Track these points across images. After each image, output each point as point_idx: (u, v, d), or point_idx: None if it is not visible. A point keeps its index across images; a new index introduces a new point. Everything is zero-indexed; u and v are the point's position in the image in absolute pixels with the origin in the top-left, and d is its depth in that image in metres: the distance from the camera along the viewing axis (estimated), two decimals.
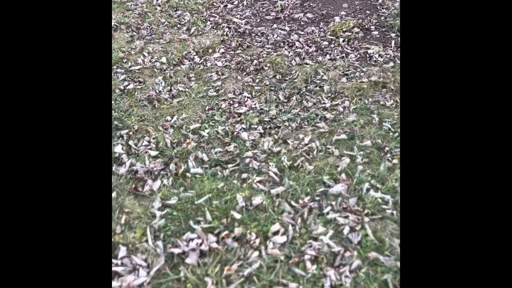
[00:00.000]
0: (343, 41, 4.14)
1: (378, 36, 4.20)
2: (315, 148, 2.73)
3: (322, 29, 4.44)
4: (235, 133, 2.89)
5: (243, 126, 2.97)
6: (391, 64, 3.74)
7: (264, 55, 4.05)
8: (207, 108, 3.24)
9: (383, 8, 4.71)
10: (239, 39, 4.34)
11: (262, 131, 2.92)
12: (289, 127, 2.97)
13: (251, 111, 3.17)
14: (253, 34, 4.47)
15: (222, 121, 3.04)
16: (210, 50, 4.11)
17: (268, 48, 4.18)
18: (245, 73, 3.81)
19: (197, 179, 2.37)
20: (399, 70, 3.66)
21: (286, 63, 3.91)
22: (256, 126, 2.98)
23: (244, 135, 2.85)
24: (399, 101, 3.28)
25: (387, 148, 2.72)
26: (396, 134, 2.84)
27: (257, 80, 3.67)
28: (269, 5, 5.04)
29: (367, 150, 2.71)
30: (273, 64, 3.88)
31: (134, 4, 5.13)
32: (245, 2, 5.15)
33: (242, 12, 4.97)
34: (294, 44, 4.21)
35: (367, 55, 3.93)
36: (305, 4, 4.97)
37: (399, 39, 4.09)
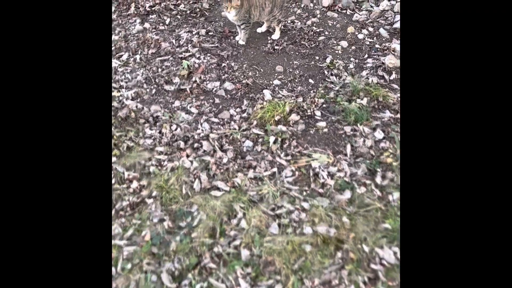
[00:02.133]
0: (274, 141, 2.68)
1: (326, 131, 2.78)
2: None
3: (245, 114, 2.96)
4: None
5: None
6: (348, 194, 2.34)
7: (149, 168, 2.52)
8: None
9: (331, 75, 3.30)
10: (117, 131, 2.77)
11: None
12: None
13: None
14: (140, 120, 2.89)
15: None
16: None
17: (160, 152, 2.65)
18: (113, 211, 2.28)
19: None
20: (363, 209, 2.27)
21: (183, 189, 2.41)
22: None
23: None
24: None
25: None
26: None
27: (130, 230, 2.16)
28: (172, 65, 3.47)
29: None
30: (163, 191, 2.37)
31: None
32: (137, 58, 3.54)
33: (132, 76, 3.37)
34: (201, 146, 2.69)
35: (310, 171, 2.50)
36: (223, 64, 3.45)
37: (357, 139, 2.70)
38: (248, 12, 3.44)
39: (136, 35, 3.88)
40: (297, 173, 2.51)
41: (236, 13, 3.38)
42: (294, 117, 2.90)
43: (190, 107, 3.05)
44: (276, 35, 3.77)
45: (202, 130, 2.85)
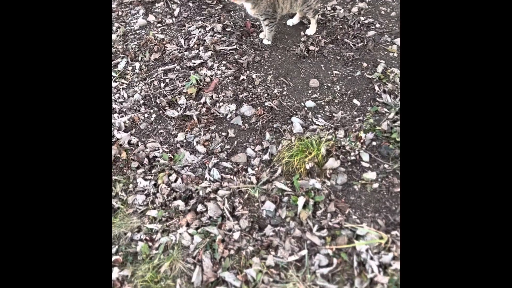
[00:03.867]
0: (304, 205, 1.96)
1: (377, 187, 2.02)
2: None
3: (266, 156, 2.25)
4: None
5: None
6: None
7: (137, 243, 1.92)
8: None
9: (384, 92, 2.46)
10: None
11: None
12: None
13: None
14: (133, 164, 2.24)
15: None
16: None
17: (152, 219, 2.04)
18: None
19: None
20: None
21: (178, 284, 1.77)
22: None
23: None
24: None
25: None
26: None
27: None
28: (178, 77, 2.74)
29: None
30: None
31: None
32: (137, 66, 2.82)
33: (128, 93, 2.68)
34: (206, 210, 2.02)
35: (354, 257, 1.78)
36: (241, 77, 2.68)
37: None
38: (273, 4, 2.59)
39: (137, 32, 3.13)
40: (335, 260, 1.79)
41: (253, 5, 2.54)
42: (332, 163, 2.13)
43: (197, 143, 2.34)
44: (311, 30, 2.93)
45: (209, 180, 2.14)
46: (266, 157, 2.25)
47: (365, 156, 2.16)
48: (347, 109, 2.45)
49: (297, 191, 2.05)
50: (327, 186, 2.06)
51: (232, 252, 1.86)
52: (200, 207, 2.04)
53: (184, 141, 2.39)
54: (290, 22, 3.04)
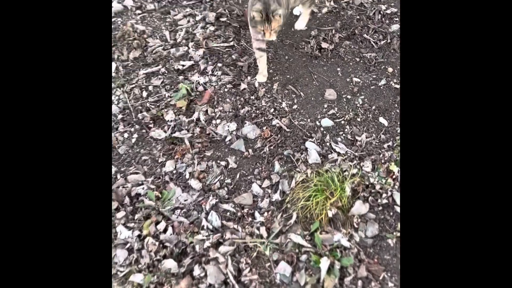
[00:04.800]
0: (329, 270, 1.56)
1: None
2: None
3: (276, 195, 1.87)
4: None
5: None
6: None
7: None
8: None
9: None
10: None
11: None
12: None
13: None
14: (112, 204, 1.80)
15: None
16: None
17: (138, 286, 1.61)
18: None
19: None
20: None
21: None
22: None
23: None
24: None
25: None
26: None
27: None
28: (164, 84, 2.26)
29: None
30: None
31: None
32: (113, 67, 2.30)
33: None
34: (205, 275, 1.61)
35: None
36: (242, 86, 2.20)
37: None
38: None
39: (112, 21, 2.56)
40: None
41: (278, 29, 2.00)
42: (359, 207, 1.72)
43: (190, 175, 1.88)
44: (301, 23, 2.42)
45: (207, 229, 1.72)
46: (276, 196, 1.81)
47: (399, 198, 1.75)
48: (372, 131, 2.00)
49: (319, 248, 1.63)
50: (355, 242, 1.65)
51: None
52: (197, 270, 1.62)
53: (174, 172, 1.93)
54: (296, 11, 2.52)
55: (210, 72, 2.26)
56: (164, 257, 1.67)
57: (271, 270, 1.62)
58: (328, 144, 1.97)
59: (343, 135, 2.01)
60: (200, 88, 2.19)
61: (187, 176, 1.91)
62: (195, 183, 1.88)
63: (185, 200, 1.84)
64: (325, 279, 1.57)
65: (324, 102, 2.14)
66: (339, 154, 1.93)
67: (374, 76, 2.23)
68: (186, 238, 1.72)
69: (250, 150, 1.99)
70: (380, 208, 1.75)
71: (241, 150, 1.99)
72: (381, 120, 2.04)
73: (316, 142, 1.98)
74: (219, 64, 2.29)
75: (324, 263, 1.59)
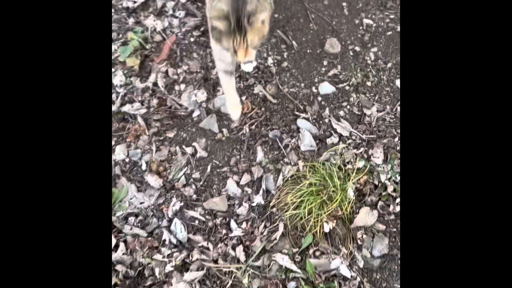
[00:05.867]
0: None
1: None
2: None
3: (258, 197, 1.46)
4: None
5: None
6: None
7: None
8: None
9: None
10: None
11: None
12: None
13: None
14: None
15: None
16: None
17: None
18: None
19: None
20: None
21: None
22: None
23: None
24: None
25: None
26: None
27: None
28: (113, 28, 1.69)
29: None
30: None
31: None
32: None
33: None
34: None
35: None
36: None
37: None
38: None
39: None
40: None
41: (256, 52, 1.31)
42: (365, 217, 1.35)
43: (148, 167, 1.46)
44: None
45: (169, 245, 1.36)
46: (258, 199, 1.40)
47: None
48: (386, 100, 1.51)
49: (311, 276, 1.27)
50: (358, 268, 1.28)
51: None
52: None
53: (127, 161, 1.48)
54: None
55: (170, 12, 1.66)
56: (115, 286, 1.30)
57: None
58: (327, 121, 1.49)
59: (348, 107, 1.52)
60: (158, 38, 1.62)
61: (143, 167, 1.47)
62: (153, 179, 1.45)
63: (141, 203, 1.43)
64: None
65: (324, 56, 1.60)
66: (341, 137, 1.46)
67: (393, 17, 1.64)
68: (143, 257, 1.34)
69: (224, 131, 1.51)
70: (392, 217, 1.35)
71: (213, 130, 1.52)
72: (399, 84, 1.53)
73: (312, 119, 1.49)
74: (182, 0, 1.68)
75: None
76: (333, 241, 1.35)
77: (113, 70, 1.61)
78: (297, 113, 1.52)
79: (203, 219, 1.41)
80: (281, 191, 1.41)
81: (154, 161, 1.50)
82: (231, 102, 1.45)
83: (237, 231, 1.38)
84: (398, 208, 1.36)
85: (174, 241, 1.38)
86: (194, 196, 1.44)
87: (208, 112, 1.54)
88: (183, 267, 1.34)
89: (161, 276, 1.33)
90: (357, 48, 1.62)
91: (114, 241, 1.37)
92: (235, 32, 1.08)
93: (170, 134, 1.53)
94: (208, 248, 1.36)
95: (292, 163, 1.44)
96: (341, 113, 1.52)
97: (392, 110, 1.51)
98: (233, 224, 1.39)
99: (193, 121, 1.54)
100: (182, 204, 1.42)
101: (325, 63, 1.60)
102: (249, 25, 1.07)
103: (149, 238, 1.39)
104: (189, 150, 1.50)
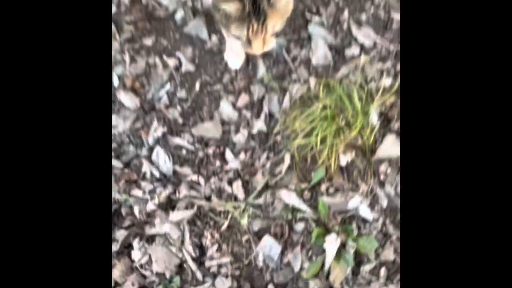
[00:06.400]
0: (338, 253, 1.05)
1: None
2: None
3: (260, 120, 1.20)
4: None
5: None
6: None
7: None
8: None
9: None
10: None
11: None
12: None
13: None
14: None
15: None
16: None
17: None
18: None
19: None
20: None
21: None
22: None
23: None
24: None
25: None
26: None
27: None
28: None
29: None
30: None
31: None
32: None
33: None
34: (149, 261, 1.08)
35: None
36: None
37: None
38: None
39: None
40: None
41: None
42: (390, 148, 1.12)
43: (120, 82, 1.19)
44: None
45: (151, 179, 1.14)
46: (260, 124, 1.15)
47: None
48: None
49: (324, 217, 1.06)
50: (381, 208, 1.07)
51: None
52: (137, 252, 1.07)
53: None
54: None
55: None
56: None
57: (250, 247, 1.07)
58: (345, 27, 1.19)
59: (372, 9, 1.21)
60: None
61: (116, 84, 1.17)
62: (128, 98, 1.17)
63: (113, 127, 1.15)
64: (331, 267, 1.04)
65: None
66: (362, 47, 1.17)
67: None
68: (118, 193, 1.10)
69: (216, 37, 1.20)
70: None
71: (202, 37, 1.20)
72: None
73: (326, 24, 1.18)
74: None
75: (331, 243, 1.04)
76: (351, 176, 1.12)
77: None
78: (308, 16, 1.20)
79: (192, 148, 1.15)
80: (288, 115, 1.15)
81: (128, 75, 1.19)
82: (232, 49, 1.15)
83: (233, 163, 1.14)
84: None
85: (156, 174, 1.14)
86: (180, 120, 1.18)
87: (195, 13, 1.21)
88: (169, 205, 1.11)
89: (141, 215, 1.10)
90: None
91: None
92: (250, 17, 0.83)
93: (148, 42, 1.21)
94: (198, 183, 1.13)
95: (302, 81, 1.16)
96: (363, 17, 1.21)
97: None
98: (228, 155, 1.15)
99: (176, 25, 1.22)
100: (165, 129, 1.16)
101: None
102: (270, 6, 0.84)
103: (126, 170, 1.14)
104: (171, 62, 1.20)
